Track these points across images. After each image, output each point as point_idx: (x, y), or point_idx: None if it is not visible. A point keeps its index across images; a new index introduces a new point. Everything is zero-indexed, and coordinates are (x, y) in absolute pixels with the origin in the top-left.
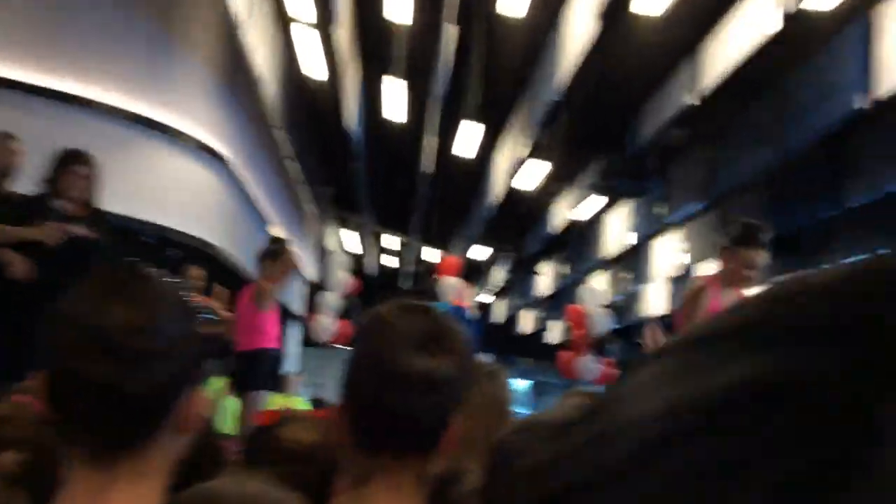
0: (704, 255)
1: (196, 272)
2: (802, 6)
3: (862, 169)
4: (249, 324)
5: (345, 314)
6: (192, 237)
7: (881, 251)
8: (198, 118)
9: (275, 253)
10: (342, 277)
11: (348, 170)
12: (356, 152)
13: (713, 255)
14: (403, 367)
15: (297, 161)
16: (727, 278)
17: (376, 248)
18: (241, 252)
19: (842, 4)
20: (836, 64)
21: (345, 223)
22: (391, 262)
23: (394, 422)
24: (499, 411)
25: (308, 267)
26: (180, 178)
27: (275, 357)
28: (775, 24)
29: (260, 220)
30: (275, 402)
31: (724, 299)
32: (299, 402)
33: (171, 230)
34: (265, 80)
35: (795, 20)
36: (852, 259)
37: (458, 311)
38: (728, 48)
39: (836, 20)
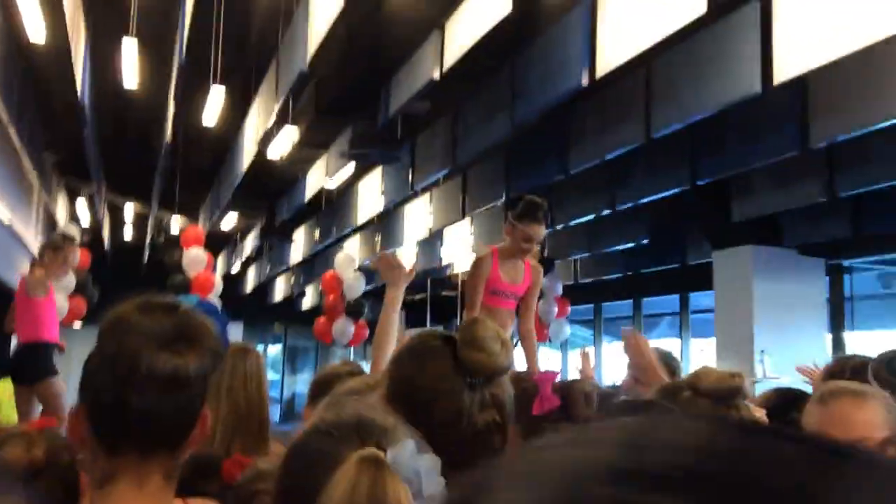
0: (450, 219)
1: None
2: None
3: (584, 139)
4: (24, 314)
5: (76, 291)
6: None
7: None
8: None
9: (56, 245)
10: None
11: (78, 136)
12: (86, 118)
13: (456, 219)
14: (148, 368)
15: (17, 127)
16: (509, 250)
17: (114, 220)
18: None
19: None
20: (563, 43)
21: (76, 193)
22: (134, 234)
23: (138, 422)
24: (256, 388)
25: (35, 241)
26: None
27: (52, 347)
28: (507, 6)
29: None
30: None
31: (504, 269)
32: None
33: None
34: None
35: (525, 2)
36: (573, 220)
37: (205, 304)
38: (468, 26)
39: (562, 2)
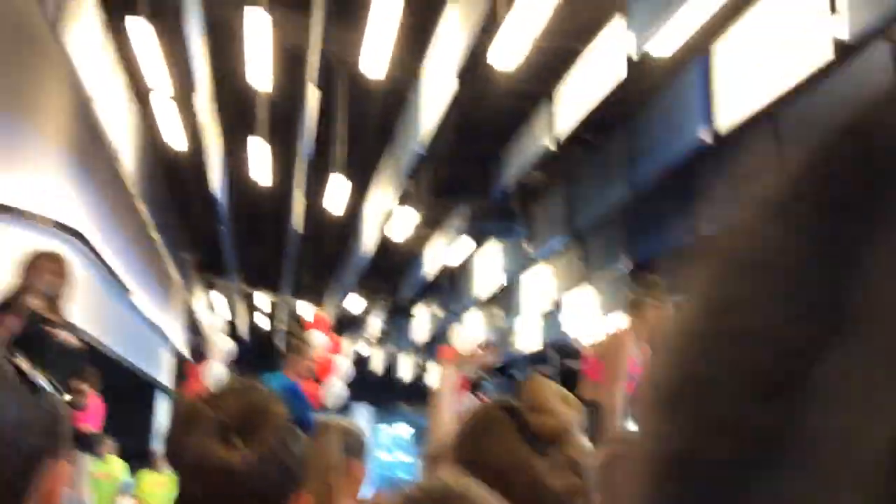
0: (570, 287)
1: None
2: (645, 51)
3: (709, 198)
4: None
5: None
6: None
7: None
8: (52, 197)
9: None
10: (222, 343)
11: (215, 234)
12: (222, 216)
13: (577, 287)
14: (198, 459)
15: (159, 230)
16: (642, 331)
17: (248, 310)
18: (102, 329)
19: (681, 47)
20: (679, 102)
21: (213, 287)
22: (265, 322)
23: None
24: (335, 468)
25: (177, 337)
26: None
27: None
28: (620, 71)
29: (122, 293)
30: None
31: (637, 354)
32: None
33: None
34: (123, 152)
35: (639, 65)
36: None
37: (287, 385)
38: (579, 93)
39: (676, 61)
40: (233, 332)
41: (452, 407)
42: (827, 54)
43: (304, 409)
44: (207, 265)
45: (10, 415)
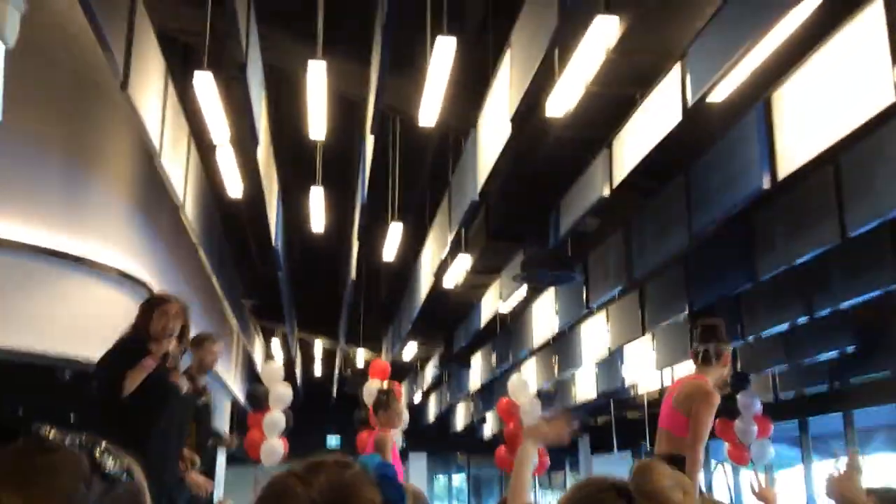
0: (629, 336)
1: None
2: (703, 97)
3: (771, 243)
4: None
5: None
6: None
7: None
8: (117, 247)
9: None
10: (281, 392)
11: (272, 281)
12: (279, 263)
13: (636, 335)
14: None
15: (219, 278)
16: (716, 378)
17: (304, 357)
18: None
19: (737, 92)
20: (739, 147)
21: (271, 334)
22: (323, 368)
23: None
24: None
25: (235, 384)
26: (102, 309)
27: None
28: (676, 117)
29: None
30: None
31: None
32: None
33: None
34: (185, 202)
35: (696, 111)
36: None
37: (384, 466)
38: (637, 139)
39: (734, 106)
40: (290, 378)
41: (529, 481)
42: (888, 97)
43: (399, 497)
44: (265, 311)
45: None
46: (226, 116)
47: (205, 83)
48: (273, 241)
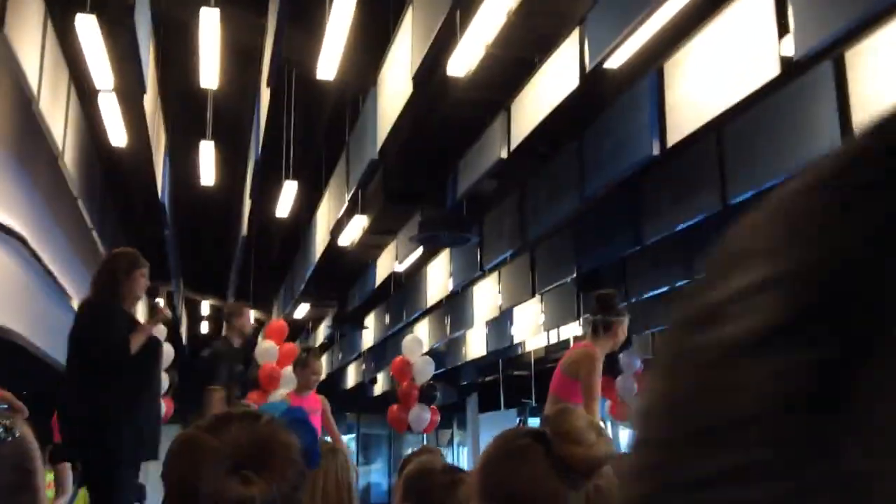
0: (519, 297)
1: None
2: (599, 64)
3: (655, 210)
4: None
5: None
6: None
7: (678, 284)
8: None
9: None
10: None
11: (157, 238)
12: (166, 219)
13: (526, 297)
14: (215, 497)
15: (100, 232)
16: (605, 346)
17: (192, 316)
18: (40, 335)
19: (631, 60)
20: (631, 114)
21: (155, 293)
22: (211, 328)
23: None
24: (346, 490)
25: None
26: None
27: None
28: (573, 83)
29: (62, 297)
30: None
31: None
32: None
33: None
34: (65, 151)
35: (592, 78)
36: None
37: (293, 411)
38: (534, 104)
39: (627, 74)
40: (174, 338)
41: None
42: (773, 70)
43: (313, 438)
44: (151, 270)
45: None
46: (110, 63)
47: (88, 26)
48: (159, 196)
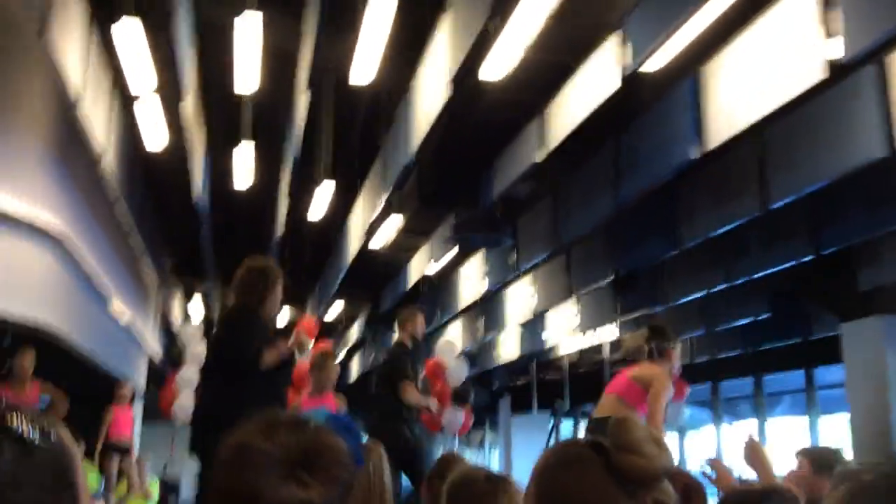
0: (551, 301)
1: (28, 357)
2: (637, 68)
3: (693, 214)
4: None
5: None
6: (26, 321)
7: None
8: (31, 198)
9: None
10: (198, 350)
11: (193, 238)
12: (202, 219)
13: (561, 300)
14: (275, 499)
15: (138, 233)
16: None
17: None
18: (79, 332)
19: (669, 64)
20: (670, 117)
21: (191, 291)
22: None
23: None
24: (379, 488)
25: (152, 341)
26: (13, 262)
27: None
28: (613, 86)
29: (99, 298)
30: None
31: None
32: (152, 485)
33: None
34: (105, 154)
35: (630, 82)
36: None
37: (335, 418)
38: (571, 107)
39: (666, 77)
40: (209, 337)
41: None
42: (818, 74)
43: (357, 442)
44: (186, 269)
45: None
46: (152, 66)
47: (130, 30)
48: (197, 198)
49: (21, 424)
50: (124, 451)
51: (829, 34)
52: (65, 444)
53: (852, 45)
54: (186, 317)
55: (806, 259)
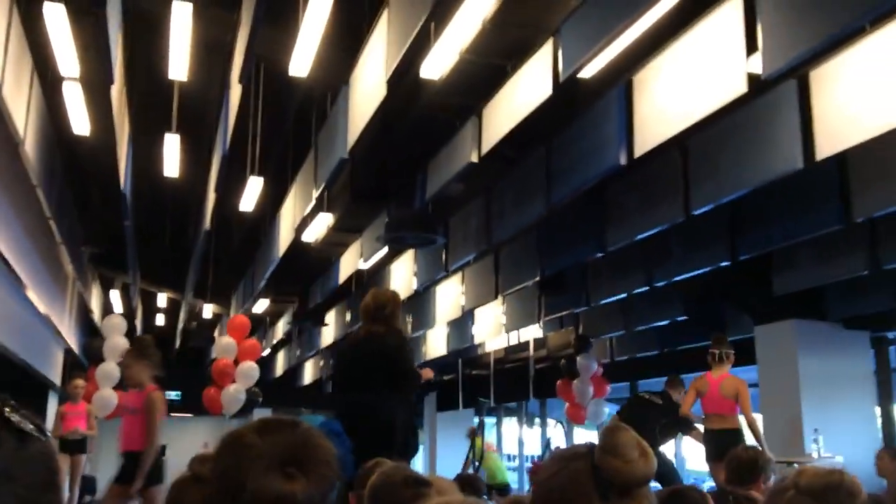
0: (482, 299)
1: None
2: (571, 74)
3: (619, 217)
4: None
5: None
6: None
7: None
8: None
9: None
10: (119, 343)
11: (116, 229)
12: (126, 211)
13: (489, 299)
14: (259, 492)
15: (58, 221)
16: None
17: (147, 308)
18: None
19: (601, 71)
20: (600, 123)
21: (110, 283)
22: (166, 321)
23: None
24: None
25: (69, 333)
26: None
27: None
28: (547, 91)
29: (11, 286)
30: None
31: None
32: None
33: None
34: (25, 139)
35: (563, 87)
36: (608, 298)
37: (328, 424)
38: (506, 110)
39: (597, 84)
40: (129, 331)
41: None
42: (740, 87)
43: (347, 450)
44: (106, 260)
45: None
46: (77, 52)
47: (53, 14)
48: (121, 187)
49: (17, 416)
50: (75, 449)
51: (752, 49)
52: (52, 445)
53: (771, 61)
54: (107, 309)
55: (724, 264)
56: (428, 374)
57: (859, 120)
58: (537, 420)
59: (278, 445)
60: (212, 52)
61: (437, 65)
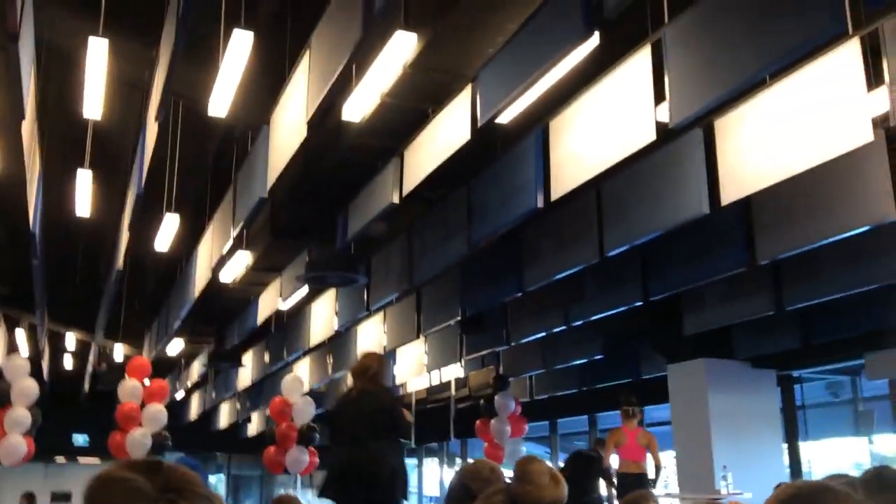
0: (404, 338)
1: None
2: (491, 120)
3: (536, 258)
4: None
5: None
6: None
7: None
8: None
9: None
10: (26, 386)
11: (21, 267)
12: (34, 250)
13: (411, 338)
14: None
15: None
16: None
17: (55, 349)
18: None
19: (520, 116)
20: (518, 167)
21: (15, 324)
22: (75, 362)
23: None
24: None
25: None
26: None
27: None
28: (466, 135)
29: None
30: None
31: None
32: None
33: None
34: None
35: (482, 131)
36: (527, 337)
37: (186, 459)
38: (427, 152)
39: (516, 128)
40: (37, 373)
41: None
42: (649, 135)
43: (205, 480)
44: (11, 300)
45: None
46: None
47: None
48: (31, 226)
49: None
50: None
51: (660, 99)
52: None
53: (679, 111)
54: (11, 350)
55: (637, 304)
56: (410, 418)
57: (762, 167)
58: (458, 461)
59: (153, 478)
60: (129, 88)
61: (358, 107)
